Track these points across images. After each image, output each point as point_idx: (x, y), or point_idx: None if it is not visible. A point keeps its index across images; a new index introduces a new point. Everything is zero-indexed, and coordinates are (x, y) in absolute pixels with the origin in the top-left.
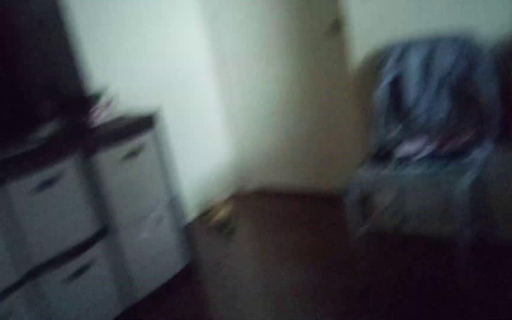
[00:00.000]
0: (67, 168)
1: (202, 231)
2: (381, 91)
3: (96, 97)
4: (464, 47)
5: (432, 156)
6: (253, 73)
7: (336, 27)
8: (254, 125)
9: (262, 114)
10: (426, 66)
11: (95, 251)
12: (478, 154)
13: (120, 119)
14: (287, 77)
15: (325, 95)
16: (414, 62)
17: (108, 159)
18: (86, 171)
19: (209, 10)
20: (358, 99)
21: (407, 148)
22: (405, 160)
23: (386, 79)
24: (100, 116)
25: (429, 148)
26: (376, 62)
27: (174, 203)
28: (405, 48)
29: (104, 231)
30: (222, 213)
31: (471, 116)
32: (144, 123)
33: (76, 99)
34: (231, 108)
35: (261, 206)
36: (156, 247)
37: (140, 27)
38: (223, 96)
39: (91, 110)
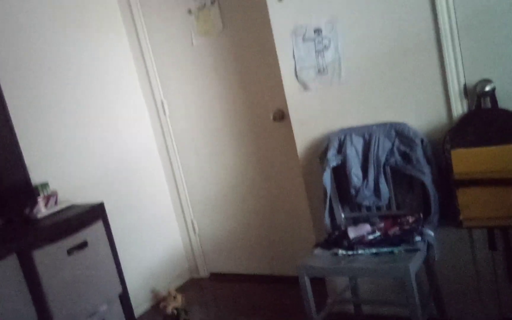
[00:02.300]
0: (5, 268)
1: None
2: (327, 177)
3: (37, 191)
4: (399, 135)
5: (380, 241)
6: (204, 158)
7: (281, 115)
8: (206, 211)
9: (214, 200)
10: (366, 153)
11: None
12: (423, 238)
13: (64, 212)
14: (238, 162)
15: (276, 178)
16: (354, 149)
17: (50, 255)
18: (25, 269)
19: (156, 97)
20: (308, 183)
21: (353, 234)
22: (354, 245)
23: (331, 165)
24: (42, 209)
25: (375, 234)
26: (320, 149)
27: (123, 297)
28: (345, 136)
29: None
30: (176, 302)
31: (412, 200)
32: (88, 216)
33: (17, 193)
34: (182, 193)
35: (216, 292)
36: None
37: (82, 117)
38: (173, 182)
39: (33, 203)
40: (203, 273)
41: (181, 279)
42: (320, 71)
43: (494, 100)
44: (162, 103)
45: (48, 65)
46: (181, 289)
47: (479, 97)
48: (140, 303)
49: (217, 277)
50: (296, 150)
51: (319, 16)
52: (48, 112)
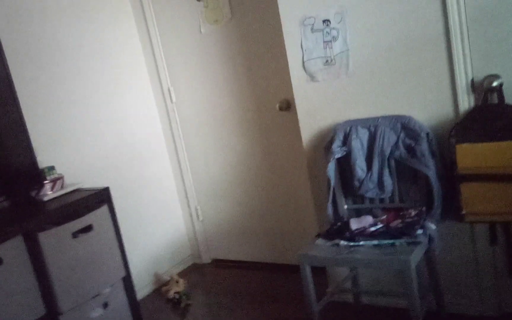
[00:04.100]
0: (11, 249)
1: (158, 306)
2: (331, 168)
3: (44, 174)
4: (404, 129)
5: (381, 233)
6: (210, 145)
7: (287, 105)
8: (210, 197)
9: (218, 186)
10: (371, 146)
11: None
12: (424, 231)
13: (70, 195)
14: (243, 150)
15: (281, 168)
16: (359, 141)
17: (56, 237)
18: (31, 251)
19: (164, 84)
20: (312, 174)
21: (355, 225)
22: (356, 236)
23: (335, 156)
24: (49, 192)
25: (377, 226)
26: (325, 140)
27: (126, 280)
28: (350, 128)
29: (50, 314)
30: (178, 287)
31: (415, 193)
32: (95, 200)
33: (24, 175)
34: (187, 180)
35: (218, 278)
36: None
37: (90, 102)
38: (178, 168)
39: (39, 186)
40: (206, 259)
41: (183, 264)
42: (328, 62)
43: (501, 96)
44: (169, 90)
45: (57, 51)
46: (183, 274)
47: (486, 92)
48: (142, 287)
49: (219, 263)
50: (301, 140)
51: (328, 7)
52: (56, 96)
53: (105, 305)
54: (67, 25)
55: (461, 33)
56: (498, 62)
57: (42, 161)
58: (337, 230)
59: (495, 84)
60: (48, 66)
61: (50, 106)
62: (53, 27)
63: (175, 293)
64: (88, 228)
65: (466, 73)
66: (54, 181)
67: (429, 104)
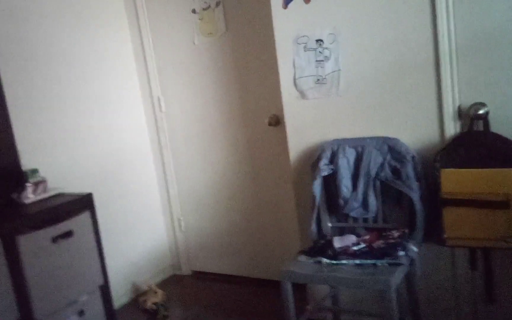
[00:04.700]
0: None
1: (135, 316)
2: (317, 185)
3: (27, 176)
4: (391, 150)
5: (364, 252)
6: (197, 156)
7: (276, 120)
8: (194, 209)
9: (203, 198)
10: (357, 165)
11: None
12: (406, 253)
13: (52, 200)
14: (230, 163)
15: (266, 183)
16: (346, 160)
17: (35, 241)
18: (8, 254)
19: (154, 93)
20: (297, 190)
21: (339, 244)
22: (339, 255)
23: (322, 174)
24: (30, 195)
25: (360, 246)
26: (312, 157)
27: (103, 288)
28: (338, 147)
29: None
30: (156, 297)
31: (399, 215)
32: (77, 205)
33: (6, 176)
34: (171, 190)
35: (198, 290)
36: None
37: (77, 107)
38: (163, 178)
39: (21, 188)
40: (186, 270)
41: (163, 274)
42: (319, 81)
43: (486, 124)
44: (159, 99)
45: (46, 54)
46: (162, 285)
47: (472, 119)
48: (120, 296)
49: (199, 276)
50: (288, 156)
51: (322, 27)
52: (45, 100)
53: (81, 313)
54: (58, 29)
55: (450, 61)
56: (485, 91)
57: (26, 163)
58: (320, 247)
59: (481, 111)
60: (39, 70)
61: (38, 110)
62: (44, 31)
63: (152, 303)
64: (68, 234)
65: (453, 100)
66: (36, 184)
67: (416, 128)
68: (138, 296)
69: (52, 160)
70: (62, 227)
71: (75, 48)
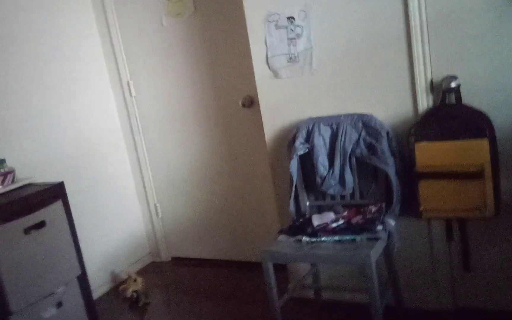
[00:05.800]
0: None
1: (115, 305)
2: (294, 164)
3: None
4: (365, 127)
5: (343, 229)
6: (171, 141)
7: (250, 101)
8: (170, 194)
9: (179, 183)
10: (333, 143)
11: None
12: (384, 227)
13: (21, 190)
14: (205, 146)
15: (243, 165)
16: (321, 138)
17: (6, 233)
18: None
19: (123, 77)
20: (274, 171)
21: (317, 222)
22: (318, 232)
23: (298, 153)
24: None
25: (338, 222)
26: (288, 137)
27: (81, 279)
28: (313, 126)
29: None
30: (136, 285)
31: (375, 190)
32: (48, 195)
33: None
34: (146, 176)
35: (178, 276)
36: None
37: (43, 93)
38: (137, 164)
39: None
40: (165, 257)
41: (142, 262)
42: (292, 59)
43: (458, 96)
44: (129, 83)
45: (12, 41)
46: (141, 273)
47: (444, 92)
48: (99, 286)
49: (178, 262)
50: (264, 137)
51: (293, 4)
52: (10, 88)
53: (59, 305)
54: (22, 14)
55: (422, 35)
56: (456, 64)
57: None
58: (299, 226)
59: (453, 85)
60: (3, 57)
61: (3, 98)
62: (8, 18)
63: (133, 291)
64: (40, 224)
65: (425, 74)
66: (4, 175)
67: (390, 103)
68: (117, 285)
69: (21, 150)
70: (34, 218)
71: (39, 34)
